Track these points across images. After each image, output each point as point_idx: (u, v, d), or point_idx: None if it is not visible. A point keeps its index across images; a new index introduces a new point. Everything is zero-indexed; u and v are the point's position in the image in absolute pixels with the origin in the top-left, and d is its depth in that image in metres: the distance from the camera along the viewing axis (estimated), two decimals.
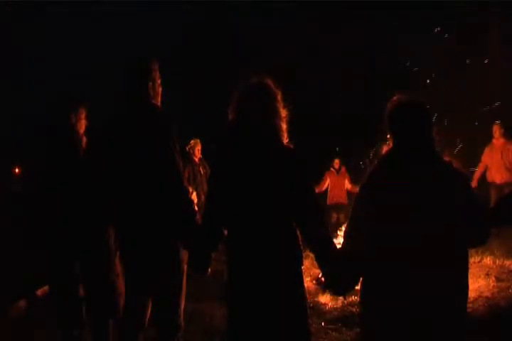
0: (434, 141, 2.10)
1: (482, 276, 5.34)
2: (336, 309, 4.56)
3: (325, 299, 4.83)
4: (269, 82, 2.35)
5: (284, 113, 2.34)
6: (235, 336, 2.33)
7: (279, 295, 2.24)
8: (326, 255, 2.24)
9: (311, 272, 5.57)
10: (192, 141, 7.09)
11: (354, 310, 4.34)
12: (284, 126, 2.34)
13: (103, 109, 3.08)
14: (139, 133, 2.67)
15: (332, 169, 9.20)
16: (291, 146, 2.34)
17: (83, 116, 3.27)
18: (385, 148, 2.20)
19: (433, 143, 2.09)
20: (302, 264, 2.31)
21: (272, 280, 2.23)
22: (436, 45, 9.69)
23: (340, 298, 4.73)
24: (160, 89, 2.84)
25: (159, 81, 2.83)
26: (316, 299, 4.83)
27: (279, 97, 2.35)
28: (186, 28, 15.35)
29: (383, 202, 2.02)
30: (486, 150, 7.94)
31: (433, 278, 1.96)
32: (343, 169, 9.20)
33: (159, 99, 2.84)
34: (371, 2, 12.33)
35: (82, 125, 3.26)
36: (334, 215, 8.93)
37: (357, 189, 2.27)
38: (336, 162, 9.21)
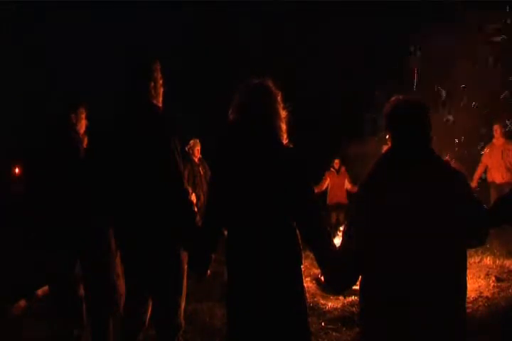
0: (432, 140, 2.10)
1: (482, 276, 5.33)
2: (336, 309, 4.56)
3: (325, 299, 4.83)
4: (270, 83, 2.38)
5: (283, 113, 2.36)
6: (235, 336, 2.34)
7: (278, 295, 2.24)
8: (325, 254, 2.25)
9: (311, 272, 5.58)
10: (192, 141, 7.09)
11: (354, 310, 4.34)
12: (284, 126, 2.36)
13: (104, 109, 3.09)
14: (139, 133, 2.68)
15: (332, 169, 9.21)
16: (291, 146, 2.35)
17: (83, 116, 3.28)
18: (384, 148, 2.20)
19: (431, 143, 2.10)
20: (302, 264, 2.32)
21: (271, 280, 2.23)
22: (436, 45, 9.70)
23: (340, 297, 4.73)
24: (162, 90, 2.84)
25: (161, 81, 2.83)
26: (316, 299, 4.83)
27: (279, 98, 2.37)
28: (186, 28, 15.36)
29: (382, 201, 2.02)
30: (486, 150, 7.95)
31: (432, 277, 1.96)
32: (343, 169, 9.21)
33: (160, 99, 2.84)
34: (371, 2, 12.33)
35: (83, 125, 3.27)
36: (334, 215, 8.94)
37: (357, 189, 2.28)
38: (336, 162, 9.23)
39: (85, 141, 3.25)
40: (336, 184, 9.12)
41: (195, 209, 2.70)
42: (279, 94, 2.38)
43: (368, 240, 2.05)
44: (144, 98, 2.74)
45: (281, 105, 2.37)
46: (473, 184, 7.54)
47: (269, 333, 2.26)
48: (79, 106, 3.26)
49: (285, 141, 2.35)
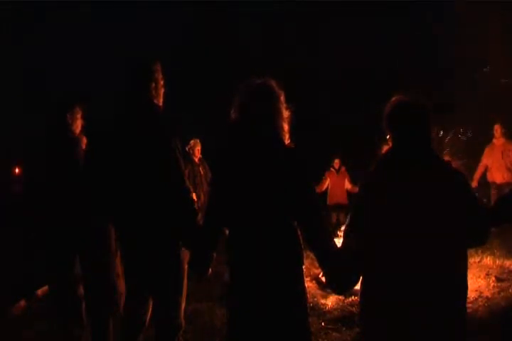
0: (433, 141, 2.10)
1: (482, 276, 5.34)
2: (336, 309, 4.56)
3: (325, 299, 4.83)
4: (273, 83, 2.37)
5: (286, 114, 2.36)
6: (235, 336, 2.33)
7: (279, 295, 2.24)
8: (326, 254, 2.24)
9: (311, 272, 5.58)
10: (192, 141, 7.09)
11: (354, 310, 4.34)
12: (286, 126, 2.35)
13: (104, 109, 3.09)
14: (140, 133, 2.68)
15: (332, 169, 9.21)
16: (293, 146, 2.35)
17: (79, 115, 3.27)
18: (384, 148, 2.21)
19: (432, 143, 2.10)
20: (303, 264, 2.31)
21: (272, 280, 2.23)
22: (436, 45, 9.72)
23: (341, 297, 4.73)
24: (162, 90, 2.84)
25: (162, 82, 2.83)
26: (316, 299, 4.83)
27: (282, 98, 2.36)
28: (186, 28, 15.36)
29: (382, 202, 2.02)
30: (487, 150, 7.94)
31: (432, 277, 1.96)
32: (343, 169, 9.21)
33: (161, 99, 2.84)
34: (371, 2, 12.33)
35: (78, 125, 3.26)
36: (334, 215, 8.94)
37: (357, 189, 2.28)
38: (336, 162, 9.22)
39: (83, 140, 3.25)
40: (336, 184, 9.12)
41: (196, 208, 2.70)
42: (282, 93, 2.37)
43: (368, 240, 2.05)
44: (144, 98, 2.75)
45: (284, 105, 2.37)
46: (474, 184, 7.54)
47: (270, 333, 2.25)
48: (74, 106, 3.25)
49: (287, 141, 2.35)
